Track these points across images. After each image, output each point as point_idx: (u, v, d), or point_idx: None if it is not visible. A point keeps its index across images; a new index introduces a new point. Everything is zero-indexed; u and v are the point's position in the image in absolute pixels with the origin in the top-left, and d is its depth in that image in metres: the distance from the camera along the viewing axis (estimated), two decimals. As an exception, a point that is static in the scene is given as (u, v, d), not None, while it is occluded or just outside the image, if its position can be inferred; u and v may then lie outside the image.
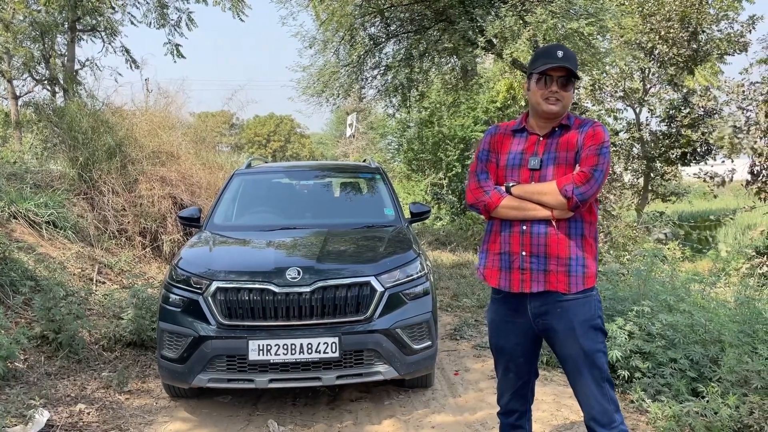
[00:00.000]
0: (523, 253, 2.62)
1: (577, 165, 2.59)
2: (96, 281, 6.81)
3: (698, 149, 14.30)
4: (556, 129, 2.67)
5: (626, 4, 12.87)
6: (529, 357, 2.78)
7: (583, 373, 2.59)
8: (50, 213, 7.15)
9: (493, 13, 9.11)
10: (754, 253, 10.64)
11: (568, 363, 2.64)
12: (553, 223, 2.59)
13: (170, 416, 4.29)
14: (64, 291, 5.46)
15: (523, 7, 8.38)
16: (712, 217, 14.06)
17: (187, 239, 8.71)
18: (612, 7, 9.05)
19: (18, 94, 19.50)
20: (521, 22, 8.37)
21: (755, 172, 11.44)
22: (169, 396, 4.56)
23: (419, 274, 4.37)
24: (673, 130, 14.24)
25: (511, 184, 2.67)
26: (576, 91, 2.77)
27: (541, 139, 2.69)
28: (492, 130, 2.83)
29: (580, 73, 2.74)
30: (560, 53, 2.60)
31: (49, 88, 18.95)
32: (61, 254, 6.86)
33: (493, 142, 2.78)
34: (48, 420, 3.93)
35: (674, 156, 14.42)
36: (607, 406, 2.57)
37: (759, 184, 11.22)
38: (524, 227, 2.63)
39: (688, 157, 14.52)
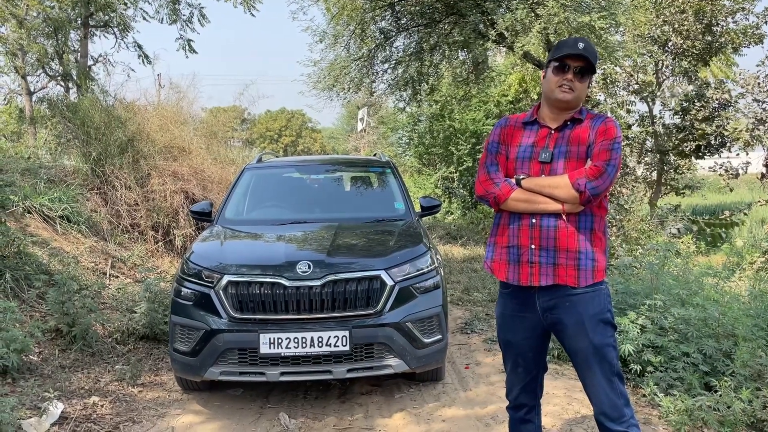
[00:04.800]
0: (532, 247, 2.61)
1: (589, 159, 2.57)
2: (109, 275, 6.87)
3: (712, 142, 14.13)
4: (568, 122, 2.66)
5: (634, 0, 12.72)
6: (538, 351, 2.77)
7: (592, 367, 2.57)
8: (64, 207, 7.21)
9: (504, 6, 9.05)
10: (769, 247, 10.51)
11: (578, 357, 2.62)
12: (563, 216, 2.57)
13: (183, 409, 4.32)
14: (77, 285, 5.50)
15: (535, 0, 8.31)
16: (726, 212, 13.89)
17: (199, 233, 8.79)
18: (625, 0, 8.95)
19: (32, 90, 19.66)
20: (532, 14, 8.31)
21: (770, 166, 11.31)
22: (182, 389, 4.60)
23: (429, 268, 4.37)
24: (687, 123, 14.07)
25: (521, 177, 2.65)
26: (589, 84, 2.74)
27: (552, 132, 2.67)
28: (502, 122, 2.82)
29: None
30: (581, 44, 2.60)
31: (62, 84, 19.11)
32: (75, 248, 6.92)
33: (503, 135, 2.76)
34: (62, 412, 3.98)
35: (688, 149, 14.25)
36: (616, 401, 2.55)
37: (774, 178, 11.09)
38: (534, 220, 2.61)
39: (702, 150, 14.36)
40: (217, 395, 4.55)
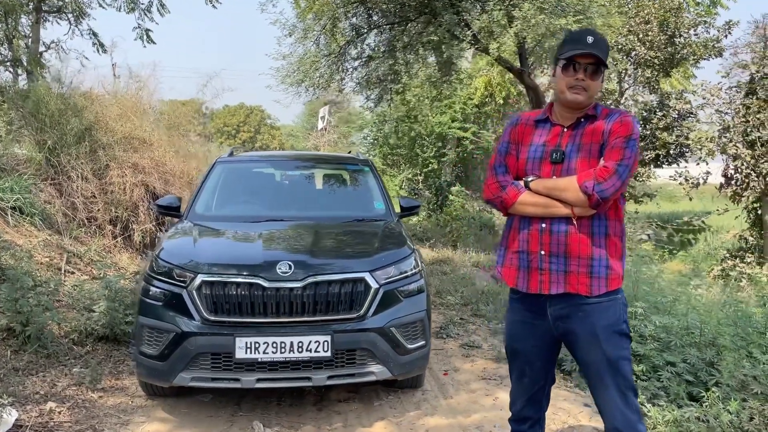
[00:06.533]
0: (542, 253, 2.47)
1: (602, 159, 2.44)
2: (64, 271, 6.47)
3: (671, 152, 14.41)
4: (582, 120, 2.52)
5: (607, 5, 12.87)
6: (547, 361, 2.63)
7: (605, 381, 2.44)
8: (16, 198, 6.77)
9: (479, 7, 8.97)
10: (727, 255, 10.76)
11: (590, 370, 2.49)
12: (574, 221, 2.44)
13: (147, 416, 4.04)
14: (32, 281, 5.13)
15: (511, 2, 8.25)
16: (686, 218, 14.20)
17: (161, 229, 8.42)
18: (598, 6, 8.99)
19: (-22, 74, 18.72)
20: (508, 17, 8.25)
21: (729, 176, 11.55)
22: (146, 394, 4.31)
23: (414, 271, 4.21)
24: (648, 132, 14.31)
25: (530, 179, 2.51)
26: (602, 79, 2.56)
27: (565, 130, 2.53)
28: (514, 120, 2.67)
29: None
30: (590, 39, 2.44)
31: (11, 69, 18.24)
32: (28, 242, 6.50)
33: (515, 134, 2.62)
34: (16, 420, 3.66)
35: (648, 158, 14.50)
36: (631, 417, 2.42)
37: (732, 188, 11.33)
38: (543, 225, 2.47)
39: (660, 159, 14.63)
40: (185, 401, 4.28)
